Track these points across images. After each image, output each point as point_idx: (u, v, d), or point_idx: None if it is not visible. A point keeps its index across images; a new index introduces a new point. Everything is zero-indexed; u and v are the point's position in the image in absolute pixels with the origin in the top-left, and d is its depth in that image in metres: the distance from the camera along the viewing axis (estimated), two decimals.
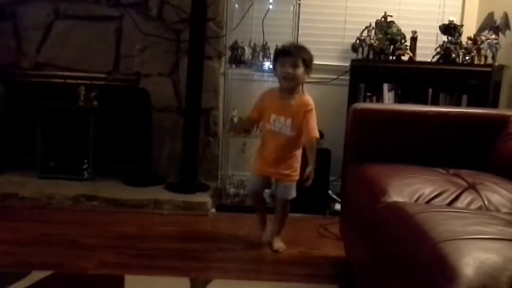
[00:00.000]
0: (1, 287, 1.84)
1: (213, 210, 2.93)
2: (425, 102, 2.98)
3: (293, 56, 2.22)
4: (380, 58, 3.03)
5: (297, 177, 2.33)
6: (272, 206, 2.50)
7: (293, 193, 2.35)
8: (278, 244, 2.38)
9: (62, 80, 3.24)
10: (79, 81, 3.20)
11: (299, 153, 2.35)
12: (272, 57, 2.45)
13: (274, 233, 2.42)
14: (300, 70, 2.23)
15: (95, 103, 3.14)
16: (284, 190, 2.34)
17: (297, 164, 2.34)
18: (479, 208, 1.49)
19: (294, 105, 2.27)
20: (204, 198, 2.94)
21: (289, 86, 2.25)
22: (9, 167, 3.24)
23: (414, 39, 3.06)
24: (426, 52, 3.09)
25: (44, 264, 2.08)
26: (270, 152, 2.32)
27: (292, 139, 2.29)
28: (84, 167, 3.18)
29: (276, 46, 2.38)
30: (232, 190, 3.08)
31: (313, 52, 3.27)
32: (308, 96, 2.32)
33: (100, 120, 3.20)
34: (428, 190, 1.57)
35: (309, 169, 2.26)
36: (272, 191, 2.53)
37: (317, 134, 2.30)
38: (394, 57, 3.04)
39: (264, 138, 2.38)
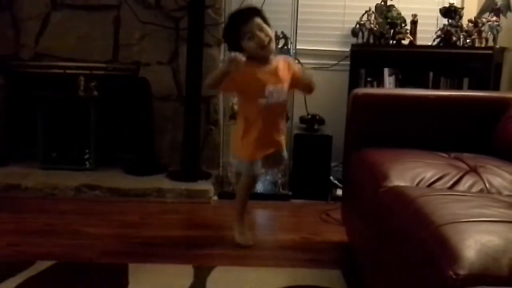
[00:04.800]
0: (6, 277, 1.85)
1: (215, 197, 2.94)
2: (426, 86, 2.97)
3: (254, 19, 1.98)
4: (381, 42, 3.01)
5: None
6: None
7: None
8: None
9: (61, 71, 3.23)
10: (78, 71, 3.19)
11: None
12: (225, 33, 2.10)
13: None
14: (269, 29, 2.00)
15: (95, 93, 3.13)
16: (282, 158, 2.20)
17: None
18: (481, 191, 1.49)
19: (280, 69, 2.06)
20: (206, 186, 2.95)
21: (270, 52, 2.00)
22: (11, 159, 3.25)
23: (414, 23, 3.04)
24: (427, 35, 3.07)
25: (48, 254, 2.09)
26: (268, 131, 2.08)
27: (286, 103, 2.15)
28: (85, 157, 3.18)
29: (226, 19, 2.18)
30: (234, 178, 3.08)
31: (313, 38, 3.31)
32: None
33: (100, 110, 3.19)
34: (429, 174, 1.57)
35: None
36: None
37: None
38: (394, 41, 3.02)
39: (255, 118, 2.06)
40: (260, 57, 2.03)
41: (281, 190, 3.01)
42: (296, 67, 2.16)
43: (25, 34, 3.24)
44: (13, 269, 1.91)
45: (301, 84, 2.16)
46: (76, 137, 3.20)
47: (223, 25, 3.09)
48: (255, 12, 2.03)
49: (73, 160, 3.18)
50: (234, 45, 2.03)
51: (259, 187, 3.04)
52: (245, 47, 2.00)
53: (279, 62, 2.09)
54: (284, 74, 2.08)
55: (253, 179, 2.23)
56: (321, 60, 3.30)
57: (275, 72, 2.05)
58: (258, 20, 1.99)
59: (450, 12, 2.98)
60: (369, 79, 3.05)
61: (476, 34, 2.91)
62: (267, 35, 1.99)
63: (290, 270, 2.00)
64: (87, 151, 3.18)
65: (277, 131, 2.15)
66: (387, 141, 1.95)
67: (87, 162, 3.18)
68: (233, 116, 3.08)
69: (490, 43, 2.92)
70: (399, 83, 3.04)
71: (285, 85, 2.08)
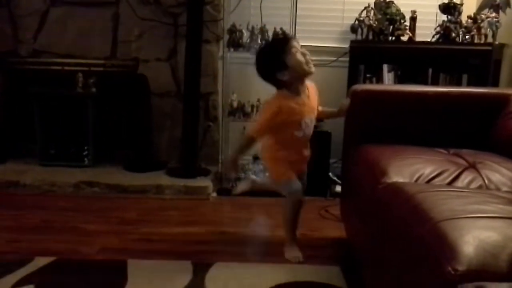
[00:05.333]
0: (5, 274, 1.85)
1: (214, 194, 2.94)
2: (425, 83, 2.97)
3: (294, 39, 2.03)
4: (380, 38, 3.00)
5: None
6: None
7: None
8: None
9: (60, 67, 3.22)
10: (77, 68, 3.18)
11: None
12: (265, 57, 2.04)
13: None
14: None
15: (94, 89, 3.13)
16: (305, 173, 2.19)
17: None
18: (480, 187, 1.49)
19: (311, 95, 2.07)
20: (205, 182, 2.95)
21: (312, 70, 2.00)
22: (10, 155, 3.24)
23: (413, 19, 3.04)
24: (426, 32, 3.06)
25: (47, 250, 2.09)
26: (300, 154, 2.11)
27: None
28: (84, 153, 3.18)
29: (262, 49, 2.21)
30: (232, 174, 3.08)
31: (312, 34, 3.30)
32: None
33: (99, 107, 3.19)
34: (428, 170, 1.57)
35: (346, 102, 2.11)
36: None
37: None
38: (393, 38, 3.02)
39: (288, 146, 2.07)
40: (302, 76, 2.01)
41: None
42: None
43: (23, 30, 3.23)
44: (12, 265, 1.91)
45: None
46: (74, 133, 3.20)
47: (222, 21, 3.11)
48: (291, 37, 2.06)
49: (72, 157, 3.18)
50: (276, 67, 1.98)
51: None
52: (292, 63, 1.96)
53: (309, 88, 2.08)
54: (314, 102, 2.09)
55: (296, 197, 2.12)
56: (320, 57, 3.28)
57: (308, 101, 2.05)
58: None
59: (449, 8, 2.97)
60: (368, 75, 3.05)
61: (475, 30, 2.91)
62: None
63: (289, 266, 2.00)
64: (85, 147, 3.18)
65: (307, 151, 2.14)
66: (386, 137, 1.95)
67: (85, 159, 3.18)
68: (231, 112, 3.09)
69: (489, 40, 2.92)
70: (398, 80, 3.04)
71: (314, 115, 2.09)
